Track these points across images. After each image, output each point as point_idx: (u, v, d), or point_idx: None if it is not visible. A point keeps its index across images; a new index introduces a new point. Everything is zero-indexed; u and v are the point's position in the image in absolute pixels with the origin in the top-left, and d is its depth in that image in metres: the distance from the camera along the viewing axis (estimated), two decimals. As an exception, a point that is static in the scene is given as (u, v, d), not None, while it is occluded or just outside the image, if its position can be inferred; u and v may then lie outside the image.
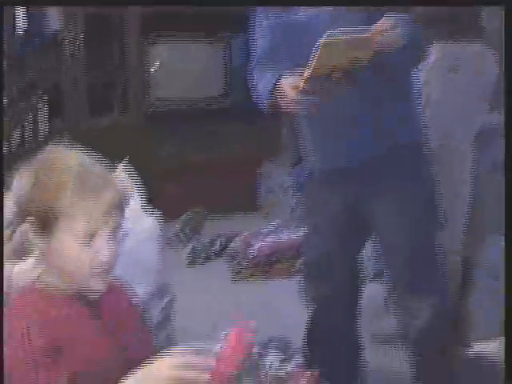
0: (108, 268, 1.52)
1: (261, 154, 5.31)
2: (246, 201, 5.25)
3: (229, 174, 5.19)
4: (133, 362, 1.47)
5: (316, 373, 2.88)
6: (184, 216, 4.90)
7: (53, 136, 4.41)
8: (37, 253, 1.59)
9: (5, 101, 4.09)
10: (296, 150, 5.88)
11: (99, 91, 5.12)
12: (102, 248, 1.50)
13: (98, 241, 1.50)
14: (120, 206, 1.54)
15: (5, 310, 1.53)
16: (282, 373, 2.83)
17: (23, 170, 1.58)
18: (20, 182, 1.57)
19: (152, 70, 5.11)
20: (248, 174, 5.29)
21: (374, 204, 2.59)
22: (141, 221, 2.61)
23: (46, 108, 4.48)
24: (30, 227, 1.52)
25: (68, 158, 1.56)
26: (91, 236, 1.50)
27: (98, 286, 1.52)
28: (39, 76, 4.54)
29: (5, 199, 2.03)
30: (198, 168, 5.03)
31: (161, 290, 2.74)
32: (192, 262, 4.44)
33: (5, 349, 1.44)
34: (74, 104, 4.88)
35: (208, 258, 4.37)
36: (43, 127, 4.51)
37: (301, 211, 5.02)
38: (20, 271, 2.14)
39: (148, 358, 1.43)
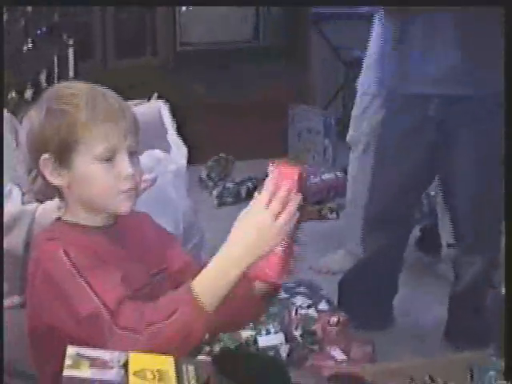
0: (133, 186, 1.52)
1: (290, 98, 5.24)
2: (275, 145, 5.20)
3: (257, 118, 5.13)
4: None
5: (345, 317, 2.88)
6: (211, 161, 4.86)
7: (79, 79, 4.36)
8: (59, 193, 1.58)
9: (29, 45, 4.05)
10: (326, 92, 5.86)
11: (127, 33, 5.08)
12: (125, 165, 1.50)
13: (119, 160, 1.49)
14: (136, 132, 1.54)
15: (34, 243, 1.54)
16: (312, 312, 2.82)
17: (32, 110, 1.56)
18: (29, 121, 1.56)
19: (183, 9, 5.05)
20: (277, 117, 5.23)
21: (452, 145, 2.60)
22: (169, 161, 2.58)
23: (71, 51, 4.42)
24: (47, 165, 1.50)
25: (78, 85, 1.56)
26: (112, 157, 1.49)
27: (124, 206, 1.52)
28: (65, 19, 4.48)
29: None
30: (226, 112, 4.96)
31: (189, 231, 2.71)
32: (221, 204, 4.42)
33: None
34: (100, 46, 4.84)
35: (237, 200, 4.33)
36: (69, 70, 4.46)
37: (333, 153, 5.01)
38: (44, 211, 2.13)
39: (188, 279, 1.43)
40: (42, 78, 4.28)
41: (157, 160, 2.52)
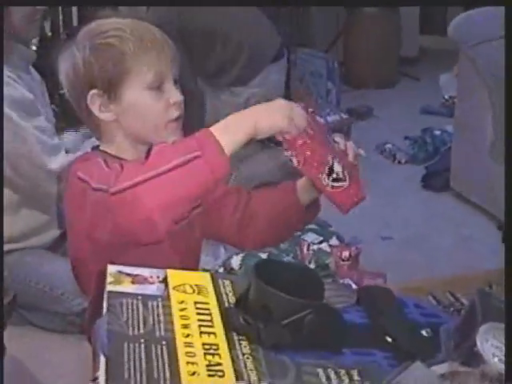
0: (181, 114, 1.55)
1: (292, 41, 5.24)
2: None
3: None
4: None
5: (356, 251, 2.94)
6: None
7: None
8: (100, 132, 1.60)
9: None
10: (327, 35, 5.85)
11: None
12: (173, 92, 1.53)
13: (167, 87, 1.53)
14: (177, 61, 1.57)
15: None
16: (324, 247, 2.88)
17: (69, 50, 1.56)
18: (70, 61, 1.55)
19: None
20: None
21: None
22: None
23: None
24: (96, 100, 1.52)
25: (118, 19, 1.57)
26: (160, 85, 1.52)
27: (173, 136, 1.53)
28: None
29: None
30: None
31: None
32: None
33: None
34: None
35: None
36: (73, 18, 4.46)
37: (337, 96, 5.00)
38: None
39: None
40: (47, 26, 4.29)
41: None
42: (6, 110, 2.36)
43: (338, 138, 1.54)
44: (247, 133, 1.37)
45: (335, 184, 1.47)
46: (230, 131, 1.36)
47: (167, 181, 1.33)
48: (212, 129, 1.35)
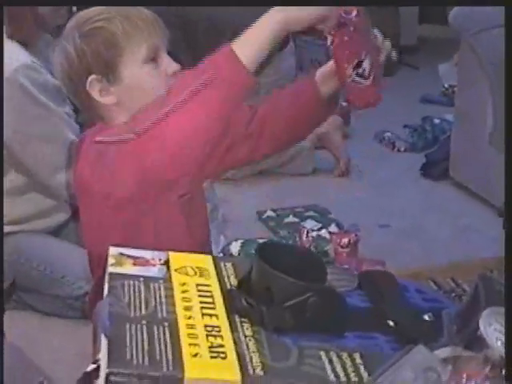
0: None
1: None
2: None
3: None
4: None
5: (355, 238, 2.93)
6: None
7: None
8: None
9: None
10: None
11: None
12: (169, 62, 1.55)
13: (162, 59, 1.54)
14: (167, 35, 1.57)
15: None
16: (324, 234, 2.88)
17: (60, 43, 1.57)
18: (62, 53, 1.56)
19: None
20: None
21: None
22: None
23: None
24: (95, 85, 1.52)
25: (102, 6, 1.57)
26: (156, 57, 1.54)
27: None
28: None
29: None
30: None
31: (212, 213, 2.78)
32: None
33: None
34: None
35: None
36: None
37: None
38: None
39: None
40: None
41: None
42: (36, 94, 2.34)
43: (377, 33, 1.53)
44: (275, 29, 1.38)
45: (357, 79, 1.47)
46: (252, 37, 1.38)
47: (188, 109, 1.37)
48: (233, 44, 1.38)
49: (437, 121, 4.32)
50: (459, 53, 3.75)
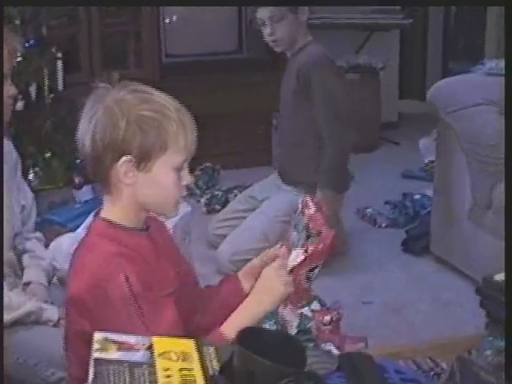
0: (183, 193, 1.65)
1: (274, 107, 5.32)
2: (261, 154, 5.27)
3: (243, 128, 5.22)
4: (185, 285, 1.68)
5: (337, 315, 2.95)
6: (197, 170, 4.91)
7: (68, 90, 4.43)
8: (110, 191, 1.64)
9: (19, 59, 4.06)
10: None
11: (112, 45, 5.14)
12: (187, 175, 1.63)
13: (185, 170, 1.63)
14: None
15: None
16: (306, 311, 2.89)
17: (91, 112, 1.57)
18: (109, 123, 1.55)
19: (167, 21, 5.11)
20: (261, 126, 5.31)
21: None
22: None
23: (60, 63, 4.47)
24: (126, 166, 1.56)
25: (159, 94, 1.60)
26: (181, 168, 1.61)
27: (176, 209, 1.67)
28: (53, 32, 4.53)
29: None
30: (212, 122, 5.02)
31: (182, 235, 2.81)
32: (210, 211, 4.48)
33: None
34: (87, 58, 4.90)
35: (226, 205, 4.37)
36: (59, 82, 4.50)
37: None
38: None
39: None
40: (32, 90, 4.34)
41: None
42: None
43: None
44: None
45: None
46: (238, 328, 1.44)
47: None
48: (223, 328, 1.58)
49: (417, 196, 4.38)
50: (437, 129, 3.82)
